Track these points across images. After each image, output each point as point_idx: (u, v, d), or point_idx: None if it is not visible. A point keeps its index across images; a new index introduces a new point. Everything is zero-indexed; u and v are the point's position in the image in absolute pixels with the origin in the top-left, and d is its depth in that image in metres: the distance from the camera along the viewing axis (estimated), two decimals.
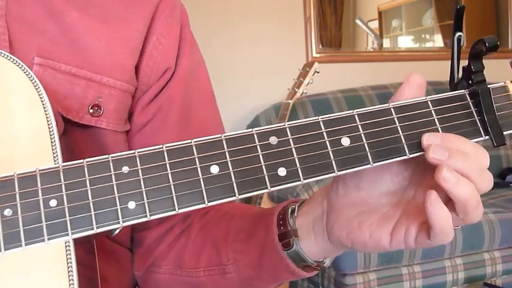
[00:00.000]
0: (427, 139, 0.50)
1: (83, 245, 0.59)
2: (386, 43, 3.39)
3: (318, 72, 2.42)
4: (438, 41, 3.47)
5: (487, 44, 0.51)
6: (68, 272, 0.46)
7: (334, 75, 3.03)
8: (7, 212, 0.44)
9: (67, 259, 0.46)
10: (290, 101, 2.38)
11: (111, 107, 0.67)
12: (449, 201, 0.49)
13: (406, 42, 3.48)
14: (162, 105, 0.72)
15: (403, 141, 0.51)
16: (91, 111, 0.65)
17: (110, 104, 0.67)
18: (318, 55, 3.06)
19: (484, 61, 0.54)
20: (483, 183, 0.50)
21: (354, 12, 3.26)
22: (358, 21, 3.26)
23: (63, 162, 0.47)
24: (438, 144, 0.49)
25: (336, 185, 0.57)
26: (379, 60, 3.27)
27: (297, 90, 2.39)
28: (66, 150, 0.56)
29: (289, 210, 0.62)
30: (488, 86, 0.54)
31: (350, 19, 3.24)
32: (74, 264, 0.46)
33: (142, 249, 0.75)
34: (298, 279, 0.67)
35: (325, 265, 0.63)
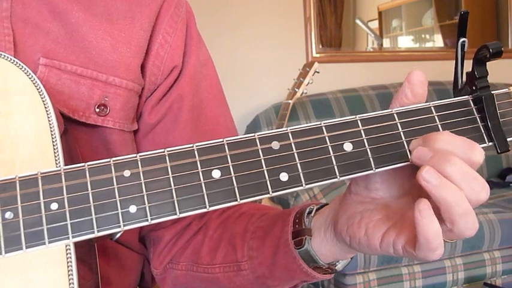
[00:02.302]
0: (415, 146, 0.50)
1: (83, 247, 0.59)
2: (386, 43, 3.39)
3: (318, 72, 2.42)
4: (438, 41, 3.47)
5: (491, 50, 0.51)
6: (68, 274, 0.46)
7: (334, 75, 3.03)
8: (8, 214, 0.44)
9: (67, 261, 0.46)
10: (290, 101, 2.38)
11: (117, 106, 0.67)
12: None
13: (406, 42, 3.48)
14: (173, 104, 0.72)
15: (406, 147, 0.51)
16: (97, 110, 0.65)
17: (116, 104, 0.67)
18: (318, 55, 3.05)
19: None
20: (472, 190, 0.46)
21: (354, 12, 3.25)
22: (358, 21, 3.25)
23: (66, 162, 0.47)
24: (423, 148, 0.48)
25: (350, 182, 0.57)
26: (379, 60, 3.27)
27: (297, 90, 2.39)
28: (69, 151, 0.56)
29: (307, 210, 0.62)
30: (492, 92, 0.53)
31: (350, 19, 3.24)
32: (74, 267, 0.46)
33: (160, 248, 0.75)
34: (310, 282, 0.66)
35: (336, 268, 0.62)
